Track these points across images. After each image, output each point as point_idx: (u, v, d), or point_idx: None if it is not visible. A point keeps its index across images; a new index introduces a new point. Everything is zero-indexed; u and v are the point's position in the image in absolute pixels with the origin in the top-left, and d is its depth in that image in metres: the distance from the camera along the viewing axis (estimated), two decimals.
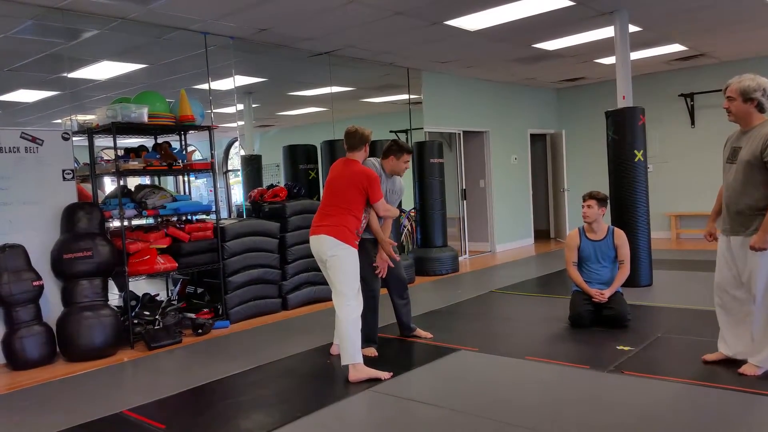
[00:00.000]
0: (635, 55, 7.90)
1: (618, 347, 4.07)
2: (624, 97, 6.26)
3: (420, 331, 4.65)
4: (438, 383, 3.68)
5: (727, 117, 3.38)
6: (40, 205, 4.82)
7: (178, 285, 5.98)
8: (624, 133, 6.00)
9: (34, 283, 4.52)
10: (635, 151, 5.97)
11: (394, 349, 4.43)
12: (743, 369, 3.38)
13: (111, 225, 5.27)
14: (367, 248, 4.18)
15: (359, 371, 3.67)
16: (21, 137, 4.79)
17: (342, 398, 3.42)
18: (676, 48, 8.13)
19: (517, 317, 5.28)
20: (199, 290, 5.78)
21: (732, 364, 3.53)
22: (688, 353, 3.85)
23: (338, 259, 3.76)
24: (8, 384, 4.10)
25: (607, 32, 6.84)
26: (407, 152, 4.29)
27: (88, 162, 5.24)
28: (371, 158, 4.27)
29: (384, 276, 4.30)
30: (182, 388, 3.75)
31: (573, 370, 3.70)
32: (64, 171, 4.99)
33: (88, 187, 5.34)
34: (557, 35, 7.04)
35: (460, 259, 8.65)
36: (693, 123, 9.75)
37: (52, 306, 4.71)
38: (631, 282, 5.39)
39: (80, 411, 3.43)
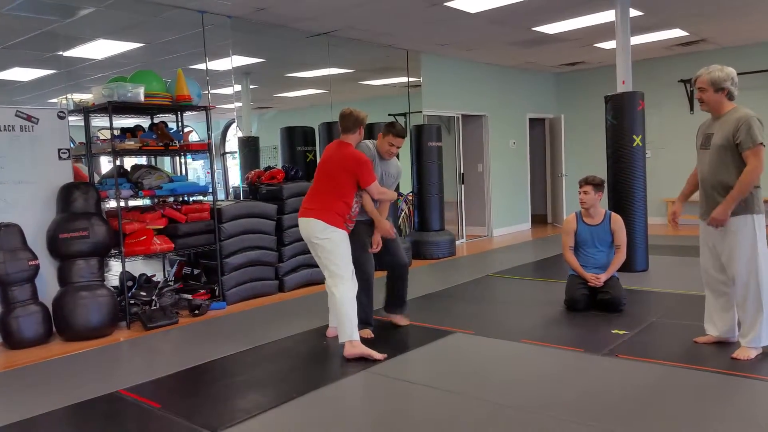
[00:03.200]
0: (636, 40, 7.84)
1: (613, 331, 4.09)
2: (624, 82, 6.23)
3: (400, 318, 4.56)
4: (433, 365, 3.70)
5: (700, 107, 3.53)
6: (35, 185, 4.80)
7: (175, 266, 5.98)
8: (623, 118, 5.97)
9: (30, 263, 4.51)
10: (634, 136, 5.96)
11: (390, 331, 4.44)
12: (737, 353, 3.42)
13: (107, 205, 5.25)
14: (360, 231, 4.14)
15: (355, 347, 3.70)
16: (16, 115, 4.74)
17: (337, 379, 3.43)
18: (676, 33, 8.08)
19: (513, 301, 5.29)
20: (196, 271, 5.78)
21: (725, 346, 3.58)
22: (682, 337, 3.86)
23: (329, 243, 3.77)
24: (4, 363, 4.10)
25: (608, 16, 6.79)
26: (394, 134, 4.12)
27: (84, 141, 5.21)
28: (366, 141, 4.23)
29: (377, 250, 4.24)
30: (178, 368, 3.76)
31: (568, 353, 3.71)
32: (59, 150, 4.95)
33: (82, 168, 5.31)
34: (558, 18, 6.98)
35: (457, 243, 8.66)
36: (692, 109, 9.72)
37: (48, 285, 4.71)
38: (627, 267, 5.41)
39: (76, 390, 3.44)
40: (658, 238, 8.19)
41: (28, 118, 4.80)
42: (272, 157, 8.25)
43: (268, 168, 6.74)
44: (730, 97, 3.41)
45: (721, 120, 3.41)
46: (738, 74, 3.50)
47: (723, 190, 3.36)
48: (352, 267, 3.82)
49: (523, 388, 3.20)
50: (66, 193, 4.81)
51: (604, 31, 7.49)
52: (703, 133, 3.55)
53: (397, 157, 4.41)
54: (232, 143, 10.47)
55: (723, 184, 3.36)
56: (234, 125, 9.71)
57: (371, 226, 4.18)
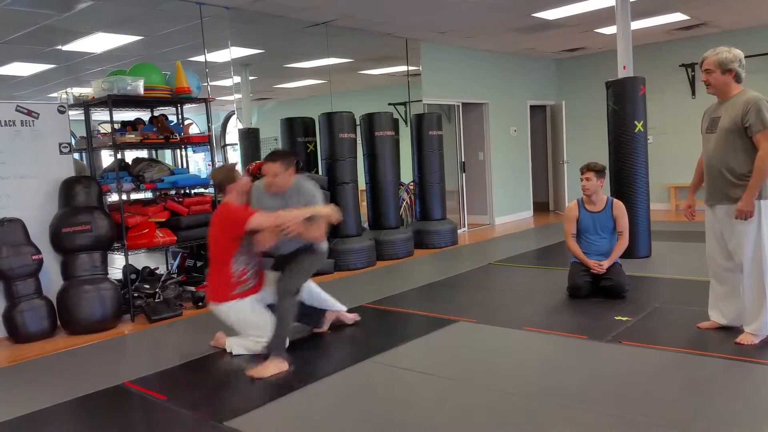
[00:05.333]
0: (636, 25, 7.78)
1: (616, 317, 4.09)
2: (624, 67, 6.18)
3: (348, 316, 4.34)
4: (437, 354, 3.71)
5: (707, 90, 3.45)
6: (37, 179, 4.80)
7: (178, 258, 5.99)
8: (624, 104, 5.94)
9: (34, 257, 4.53)
10: (635, 122, 5.93)
11: (392, 320, 4.45)
12: (740, 339, 3.41)
13: (109, 199, 5.26)
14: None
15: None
16: (16, 110, 4.74)
17: (342, 368, 3.45)
18: (677, 17, 8.02)
19: (515, 289, 5.30)
20: (199, 263, 5.79)
21: (728, 332, 3.57)
22: (685, 323, 3.87)
23: (231, 320, 3.68)
24: (10, 357, 4.13)
25: (608, 1, 6.73)
26: (266, 160, 3.75)
27: (85, 135, 5.21)
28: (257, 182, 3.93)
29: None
30: (183, 359, 3.77)
31: (571, 340, 3.72)
32: (60, 144, 4.95)
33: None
34: (558, 4, 6.93)
35: (458, 231, 8.66)
36: (694, 93, 9.67)
37: (52, 280, 4.72)
38: (629, 253, 5.39)
39: (82, 383, 3.45)
40: (660, 224, 8.18)
41: (29, 113, 4.80)
42: (273, 148, 8.24)
43: None
44: (738, 79, 3.33)
45: (729, 103, 3.34)
46: None
47: (730, 174, 3.31)
48: (265, 326, 3.61)
49: (527, 376, 3.21)
50: (68, 188, 4.82)
51: (605, 15, 7.44)
52: (709, 117, 3.48)
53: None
54: (232, 135, 10.46)
55: (730, 169, 3.30)
56: (234, 117, 9.69)
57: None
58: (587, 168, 4.69)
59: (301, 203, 3.71)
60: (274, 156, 3.73)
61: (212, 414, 2.91)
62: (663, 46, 9.82)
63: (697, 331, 3.71)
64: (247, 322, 3.69)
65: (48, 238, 4.73)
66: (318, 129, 7.28)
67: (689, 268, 5.42)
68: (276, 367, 3.43)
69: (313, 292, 4.12)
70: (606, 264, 4.62)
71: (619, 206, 4.75)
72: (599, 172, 4.67)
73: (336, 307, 4.23)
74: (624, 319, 4.05)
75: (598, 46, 9.84)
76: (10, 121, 4.70)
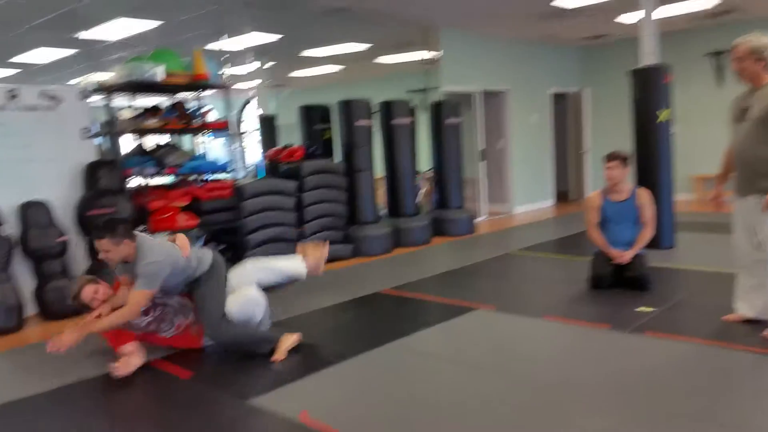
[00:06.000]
0: (662, 11, 7.63)
1: (639, 309, 4.03)
2: (649, 55, 6.07)
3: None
4: (455, 341, 3.70)
5: (739, 78, 3.37)
6: (61, 163, 4.88)
7: (201, 242, 6.04)
8: (649, 93, 5.84)
9: (60, 239, 4.61)
10: (660, 111, 5.82)
11: (413, 307, 4.45)
12: (767, 332, 3.35)
13: (131, 183, 5.31)
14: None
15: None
16: (40, 96, 4.79)
17: (362, 352, 3.45)
18: (705, 3, 7.82)
19: (535, 278, 5.26)
20: (220, 247, 5.82)
21: (755, 325, 3.50)
22: (710, 315, 3.80)
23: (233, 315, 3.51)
24: (42, 333, 4.22)
25: None
26: (93, 236, 3.37)
27: (105, 121, 5.25)
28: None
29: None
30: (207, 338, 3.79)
31: (593, 330, 3.68)
32: (83, 129, 5.01)
33: None
34: None
35: (477, 220, 8.62)
36: (720, 82, 9.48)
37: (77, 260, 4.82)
38: (653, 244, 5.31)
39: (107, 361, 3.49)
40: (684, 215, 8.05)
41: (52, 98, 4.85)
42: (291, 135, 8.26)
43: (287, 146, 6.74)
44: None
45: (760, 92, 3.25)
46: None
47: (760, 165, 3.22)
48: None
49: (546, 364, 3.20)
50: (92, 171, 4.89)
51: (628, 2, 7.29)
52: (739, 107, 3.40)
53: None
54: (249, 122, 10.50)
55: (761, 159, 3.22)
56: (251, 104, 9.71)
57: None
58: (612, 156, 4.61)
59: (135, 272, 3.28)
60: (101, 232, 3.21)
61: (236, 392, 2.94)
62: (688, 33, 9.62)
63: (722, 323, 3.65)
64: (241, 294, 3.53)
65: (73, 220, 4.80)
66: (336, 116, 7.27)
67: (714, 260, 5.33)
68: (287, 342, 3.43)
69: (264, 277, 3.77)
70: (629, 254, 4.54)
71: (644, 195, 4.67)
72: (624, 160, 4.59)
73: (295, 271, 3.90)
74: (648, 310, 4.00)
75: (622, 33, 9.67)
76: (34, 105, 4.76)
